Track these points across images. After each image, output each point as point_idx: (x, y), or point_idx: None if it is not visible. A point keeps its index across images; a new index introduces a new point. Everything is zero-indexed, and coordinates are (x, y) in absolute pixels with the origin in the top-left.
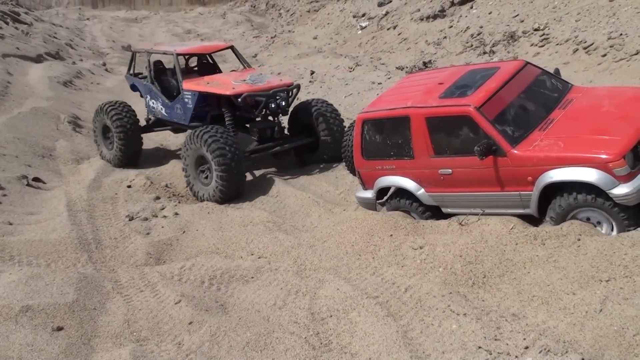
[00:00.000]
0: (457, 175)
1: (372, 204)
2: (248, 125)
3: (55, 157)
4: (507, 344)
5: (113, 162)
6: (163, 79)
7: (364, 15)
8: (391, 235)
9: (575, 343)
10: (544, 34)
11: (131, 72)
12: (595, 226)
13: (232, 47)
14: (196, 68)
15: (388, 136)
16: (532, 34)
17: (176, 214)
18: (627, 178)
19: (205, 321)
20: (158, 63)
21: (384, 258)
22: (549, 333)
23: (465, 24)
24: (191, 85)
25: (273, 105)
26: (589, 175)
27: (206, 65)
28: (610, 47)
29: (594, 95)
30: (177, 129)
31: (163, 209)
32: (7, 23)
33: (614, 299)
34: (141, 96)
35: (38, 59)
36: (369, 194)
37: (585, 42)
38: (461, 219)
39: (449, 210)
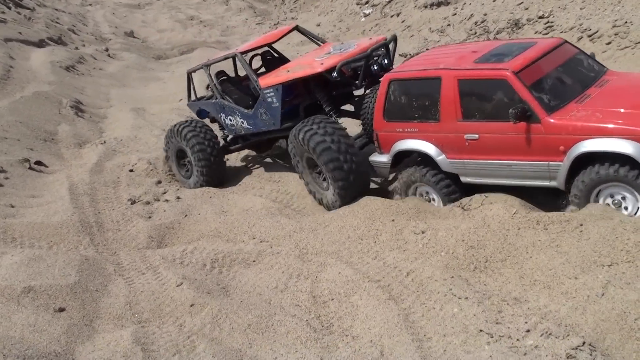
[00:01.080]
0: (483, 141)
1: (386, 169)
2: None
3: (57, 141)
4: (509, 328)
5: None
6: (231, 89)
7: (367, 2)
8: (393, 220)
9: (577, 327)
10: (548, 22)
11: (192, 98)
12: (620, 204)
13: (296, 27)
14: (263, 69)
15: (415, 98)
16: (537, 21)
17: (178, 198)
18: None
19: (207, 303)
20: (220, 74)
21: (385, 242)
22: (550, 317)
23: (469, 11)
24: (270, 80)
25: (376, 67)
26: (626, 146)
27: (272, 61)
28: (615, 35)
29: (630, 77)
30: (264, 142)
31: (165, 192)
32: (9, 8)
33: (616, 284)
34: (212, 121)
35: (40, 44)
36: (385, 158)
37: (590, 29)
38: (464, 203)
39: (468, 180)
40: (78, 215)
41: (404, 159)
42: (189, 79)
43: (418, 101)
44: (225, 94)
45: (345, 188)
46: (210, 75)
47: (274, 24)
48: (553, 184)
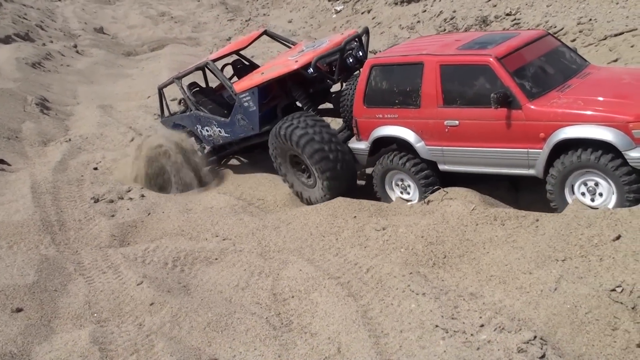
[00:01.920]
0: (463, 127)
1: (364, 157)
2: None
3: (21, 139)
4: (464, 323)
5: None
6: (205, 100)
7: None
8: (355, 216)
9: (530, 321)
10: (515, 19)
11: (166, 114)
12: (593, 192)
13: (266, 32)
14: (235, 77)
15: (396, 83)
16: (504, 18)
17: (142, 196)
18: None
19: (167, 302)
20: (193, 85)
21: (347, 239)
22: (504, 311)
23: (438, 8)
24: (245, 84)
25: (351, 60)
26: (606, 134)
27: (243, 69)
28: (580, 32)
29: (612, 71)
30: (245, 148)
31: (129, 191)
32: None
33: (569, 278)
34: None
35: (6, 40)
36: (363, 145)
37: (556, 27)
38: (427, 198)
39: (446, 168)
40: (39, 214)
41: (382, 146)
42: (161, 95)
43: (399, 87)
44: (199, 105)
45: (333, 178)
46: (182, 87)
47: (246, 20)
48: (532, 172)
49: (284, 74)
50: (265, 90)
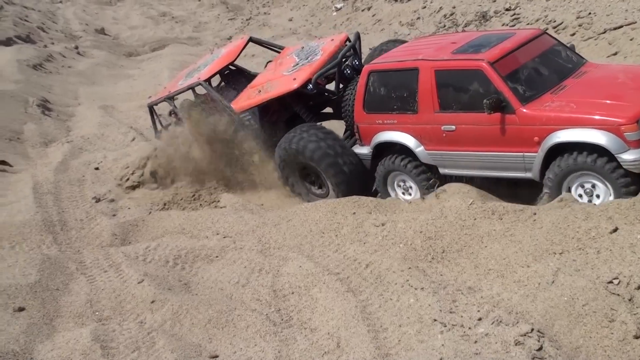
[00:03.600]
0: (460, 132)
1: (367, 161)
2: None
3: (23, 140)
4: (462, 316)
5: None
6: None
7: None
8: (354, 213)
9: (527, 314)
10: (514, 14)
11: (159, 128)
12: (591, 194)
13: (250, 39)
14: (223, 83)
15: (393, 89)
16: (504, 13)
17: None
18: (638, 144)
19: (168, 300)
20: (185, 103)
21: (346, 235)
22: (502, 305)
23: (438, 4)
24: (244, 104)
25: (349, 71)
26: (599, 137)
27: (231, 75)
28: (579, 26)
29: (608, 69)
30: None
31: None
32: None
33: (566, 271)
34: None
35: (7, 42)
36: (366, 150)
37: (555, 21)
38: (438, 192)
39: (446, 171)
40: (41, 215)
41: (384, 150)
42: (152, 111)
43: (397, 92)
44: None
45: (348, 190)
46: (175, 107)
47: (247, 19)
48: (528, 175)
49: (284, 94)
50: (264, 108)
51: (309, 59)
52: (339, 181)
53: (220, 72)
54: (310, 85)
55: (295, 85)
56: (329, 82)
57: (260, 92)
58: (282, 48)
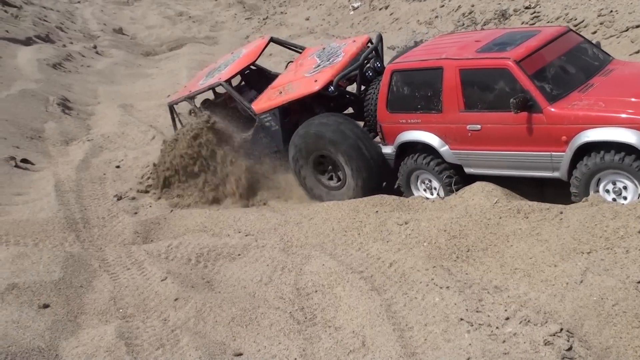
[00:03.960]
0: (485, 131)
1: (391, 161)
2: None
3: (44, 138)
4: (489, 316)
5: None
6: (220, 115)
7: None
8: (377, 211)
9: (555, 313)
10: (534, 12)
11: (179, 128)
12: (620, 193)
13: (271, 39)
14: (243, 83)
15: (417, 88)
16: (523, 12)
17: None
18: None
19: (191, 297)
20: (205, 102)
21: (369, 234)
22: (529, 304)
23: (456, 2)
24: (264, 105)
25: (371, 73)
26: (629, 136)
27: (251, 75)
28: (600, 24)
29: (635, 66)
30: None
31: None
32: None
33: (595, 270)
34: None
35: (27, 42)
36: (389, 149)
37: (576, 19)
38: (461, 192)
39: (472, 171)
40: (64, 212)
41: (408, 150)
42: (172, 111)
43: (420, 92)
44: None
45: (368, 177)
46: (195, 106)
47: (263, 19)
48: (556, 174)
49: (306, 96)
50: (285, 110)
51: (330, 60)
52: (360, 166)
53: (240, 72)
54: (332, 88)
55: (316, 87)
56: (351, 83)
57: (282, 93)
58: (303, 49)
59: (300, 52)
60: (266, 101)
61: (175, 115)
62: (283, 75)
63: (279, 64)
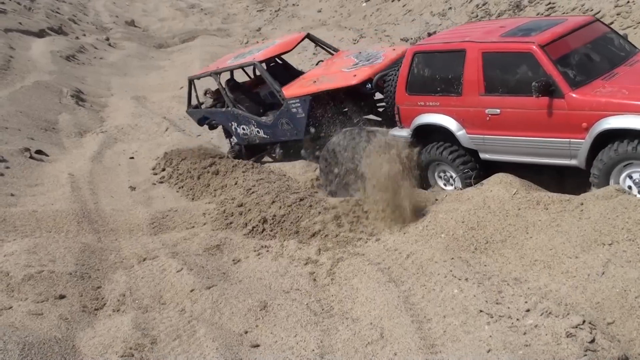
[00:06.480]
0: (505, 116)
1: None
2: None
3: (58, 130)
4: (509, 308)
5: None
6: (242, 97)
7: None
8: None
9: (577, 305)
10: (550, 2)
11: (192, 104)
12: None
13: (308, 35)
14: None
15: (438, 70)
16: (539, 2)
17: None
18: None
19: (207, 289)
20: (230, 81)
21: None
22: (550, 296)
23: None
24: (296, 91)
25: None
26: None
27: (276, 68)
28: (617, 14)
29: None
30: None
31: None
32: None
33: (617, 262)
34: (211, 128)
35: (40, 34)
36: (405, 132)
37: (592, 10)
38: (478, 185)
39: (487, 157)
40: (79, 203)
41: (423, 133)
42: (191, 85)
43: (441, 74)
44: (237, 102)
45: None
46: (220, 83)
47: (275, 11)
48: (574, 162)
49: (342, 87)
50: (315, 99)
51: (370, 61)
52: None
53: (273, 59)
54: (370, 85)
55: (354, 81)
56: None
57: (316, 82)
58: (336, 50)
59: (333, 54)
60: (298, 88)
61: (194, 91)
62: (315, 70)
63: (297, 61)
